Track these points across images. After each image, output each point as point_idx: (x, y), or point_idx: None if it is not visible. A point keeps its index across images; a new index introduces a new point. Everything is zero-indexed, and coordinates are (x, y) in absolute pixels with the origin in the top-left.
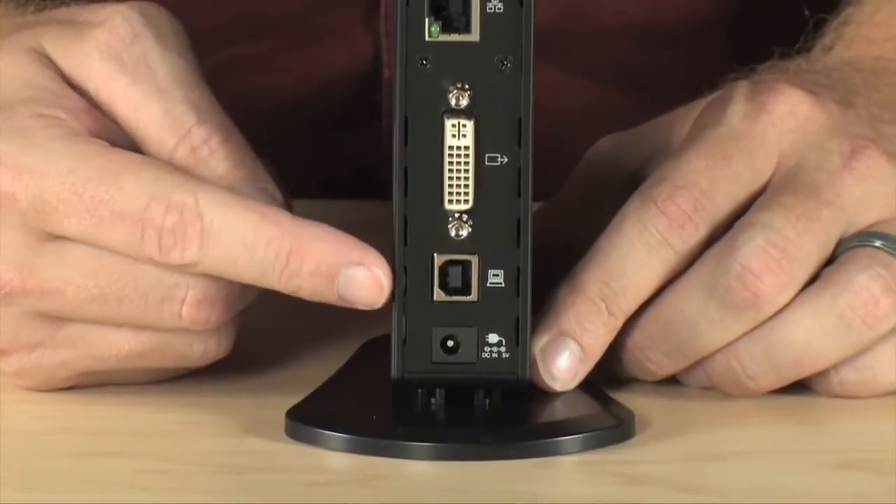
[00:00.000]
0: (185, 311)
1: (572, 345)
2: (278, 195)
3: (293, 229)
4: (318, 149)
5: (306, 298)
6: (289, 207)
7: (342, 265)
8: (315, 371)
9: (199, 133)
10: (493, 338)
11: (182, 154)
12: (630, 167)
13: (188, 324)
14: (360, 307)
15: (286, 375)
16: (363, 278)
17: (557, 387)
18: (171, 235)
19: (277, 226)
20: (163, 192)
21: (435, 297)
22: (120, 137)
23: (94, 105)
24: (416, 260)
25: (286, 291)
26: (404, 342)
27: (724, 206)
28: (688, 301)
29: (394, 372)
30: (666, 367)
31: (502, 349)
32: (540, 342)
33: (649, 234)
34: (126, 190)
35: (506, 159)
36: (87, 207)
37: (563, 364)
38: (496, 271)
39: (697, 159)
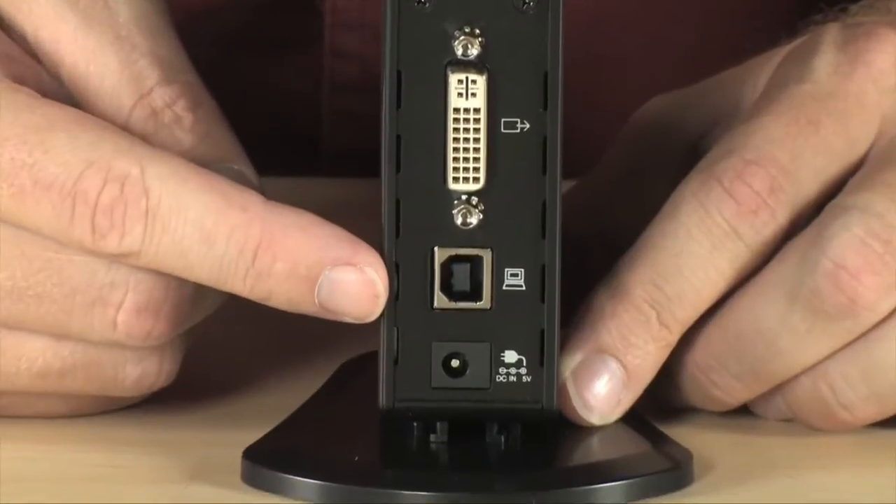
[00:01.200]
0: (121, 318)
1: (613, 365)
2: (255, 181)
3: (264, 216)
4: (228, 79)
5: (278, 307)
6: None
7: (326, 265)
8: (280, 399)
9: (164, 94)
10: (510, 356)
11: (139, 118)
12: (688, 135)
13: (123, 336)
14: (348, 320)
15: (242, 404)
16: (353, 283)
17: (594, 419)
18: (108, 215)
19: (244, 211)
20: (102, 158)
21: (435, 304)
22: (59, 95)
23: (30, 54)
24: (410, 255)
25: (252, 297)
26: (396, 362)
27: (809, 185)
28: (764, 308)
29: (382, 400)
30: (736, 394)
31: (523, 371)
32: (572, 362)
33: (713, 222)
34: (55, 153)
35: (527, 125)
36: (6, 173)
37: (602, 390)
38: (515, 270)
39: (775, 125)
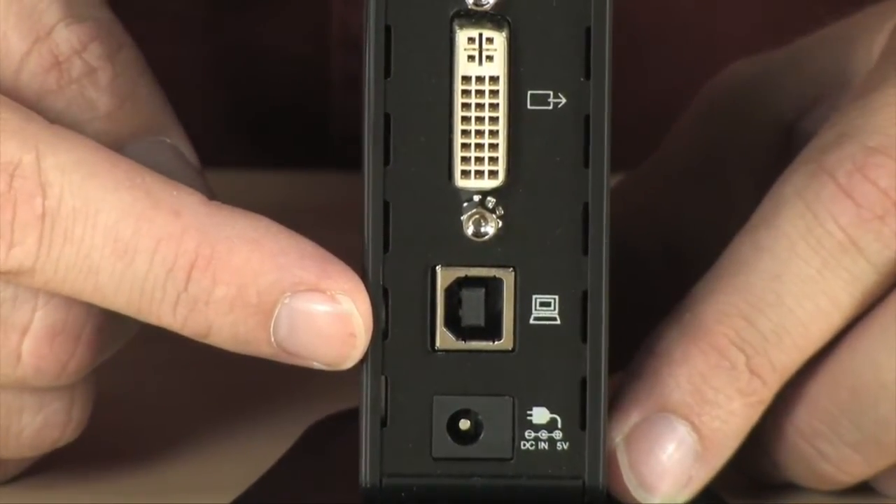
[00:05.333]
0: (28, 346)
1: (682, 430)
2: (193, 161)
3: (203, 223)
4: (205, 44)
5: (222, 347)
6: (209, 192)
7: (284, 290)
8: (223, 473)
9: (70, 35)
10: (540, 415)
11: (35, 70)
12: (781, 113)
13: (31, 372)
14: (317, 366)
15: (171, 478)
16: (321, 316)
17: (654, 502)
18: None
19: (176, 216)
20: None
21: (438, 344)
22: None
23: None
24: (404, 277)
25: (187, 332)
26: (384, 423)
27: None
28: (890, 353)
29: (364, 475)
30: (852, 468)
31: (557, 435)
32: (625, 424)
33: (825, 231)
34: None
35: (563, 100)
36: None
37: (666, 463)
38: (546, 297)
39: None
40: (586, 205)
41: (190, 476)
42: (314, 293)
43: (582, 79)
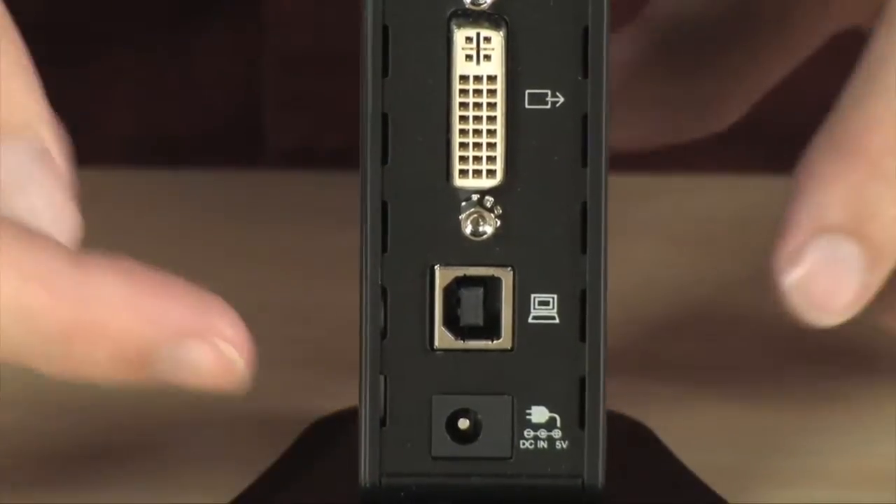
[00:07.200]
0: None
1: (846, 245)
2: (63, 164)
3: (76, 290)
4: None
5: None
6: (75, 194)
7: (163, 343)
8: (227, 473)
9: None
10: (539, 414)
11: None
12: None
13: None
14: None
15: (176, 478)
16: (202, 359)
17: (831, 321)
18: None
19: (46, 289)
20: None
21: (436, 343)
22: None
23: None
24: (402, 277)
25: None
26: (383, 422)
27: None
28: None
29: (364, 475)
30: None
31: (556, 434)
32: (785, 249)
33: None
34: None
35: (561, 99)
36: None
37: (836, 280)
38: (545, 296)
39: None
40: (584, 204)
41: (189, 476)
42: (195, 339)
43: (580, 78)
